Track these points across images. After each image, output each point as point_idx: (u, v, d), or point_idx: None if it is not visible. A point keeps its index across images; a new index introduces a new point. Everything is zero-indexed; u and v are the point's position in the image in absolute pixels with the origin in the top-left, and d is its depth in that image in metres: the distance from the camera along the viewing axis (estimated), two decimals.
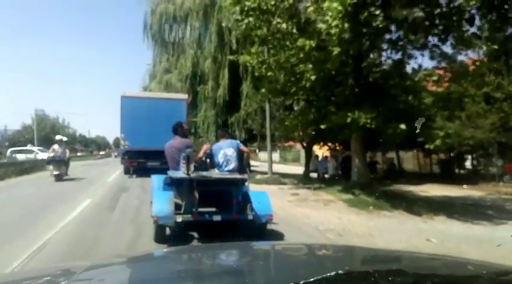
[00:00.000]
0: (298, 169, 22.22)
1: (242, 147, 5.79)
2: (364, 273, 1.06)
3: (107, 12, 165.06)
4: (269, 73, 11.24)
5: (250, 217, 4.93)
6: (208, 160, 5.56)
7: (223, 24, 18.40)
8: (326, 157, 17.56)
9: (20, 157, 25.40)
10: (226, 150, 5.49)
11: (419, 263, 1.50)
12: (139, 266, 1.58)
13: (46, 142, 48.91)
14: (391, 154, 23.65)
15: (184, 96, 16.05)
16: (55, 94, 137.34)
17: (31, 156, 27.03)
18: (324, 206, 8.59)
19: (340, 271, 0.99)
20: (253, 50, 12.02)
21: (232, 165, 5.42)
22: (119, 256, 2.52)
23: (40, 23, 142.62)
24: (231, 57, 12.26)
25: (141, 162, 14.35)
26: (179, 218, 4.71)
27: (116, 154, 47.86)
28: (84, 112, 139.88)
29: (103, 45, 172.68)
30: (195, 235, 5.26)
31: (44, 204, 8.37)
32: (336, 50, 8.94)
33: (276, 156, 44.41)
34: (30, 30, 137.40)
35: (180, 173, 4.92)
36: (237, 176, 5.18)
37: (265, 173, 16.49)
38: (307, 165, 18.38)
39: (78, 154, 57.32)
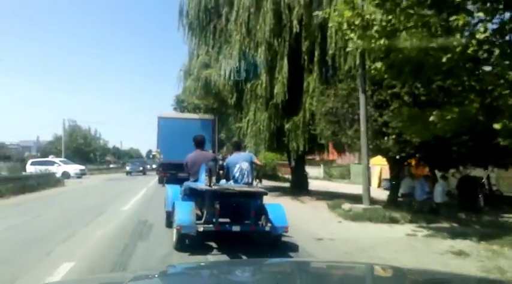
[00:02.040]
0: (357, 189, 17.12)
1: (256, 159, 6.20)
2: None
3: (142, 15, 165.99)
4: (382, 41, 6.63)
5: (267, 228, 5.11)
6: (221, 171, 5.83)
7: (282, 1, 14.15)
8: (427, 176, 12.49)
9: (31, 169, 22.04)
10: (242, 164, 5.77)
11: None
12: (187, 279, 1.62)
13: (77, 154, 46.82)
14: (477, 172, 17.94)
15: (210, 116, 19.59)
16: (89, 105, 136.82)
17: (51, 167, 24.00)
18: None
19: None
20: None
21: (247, 179, 5.69)
22: (162, 268, 2.63)
23: (73, 36, 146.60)
24: (318, 13, 7.70)
25: (172, 173, 15.90)
26: (201, 228, 4.91)
27: (128, 169, 36.82)
28: (118, 123, 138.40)
29: (137, 52, 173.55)
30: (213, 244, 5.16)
31: None
32: None
33: (319, 171, 38.80)
34: (64, 39, 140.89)
35: (202, 185, 5.15)
36: (259, 189, 5.39)
37: (351, 196, 11.66)
38: (393, 187, 13.36)
39: (111, 166, 54.77)
